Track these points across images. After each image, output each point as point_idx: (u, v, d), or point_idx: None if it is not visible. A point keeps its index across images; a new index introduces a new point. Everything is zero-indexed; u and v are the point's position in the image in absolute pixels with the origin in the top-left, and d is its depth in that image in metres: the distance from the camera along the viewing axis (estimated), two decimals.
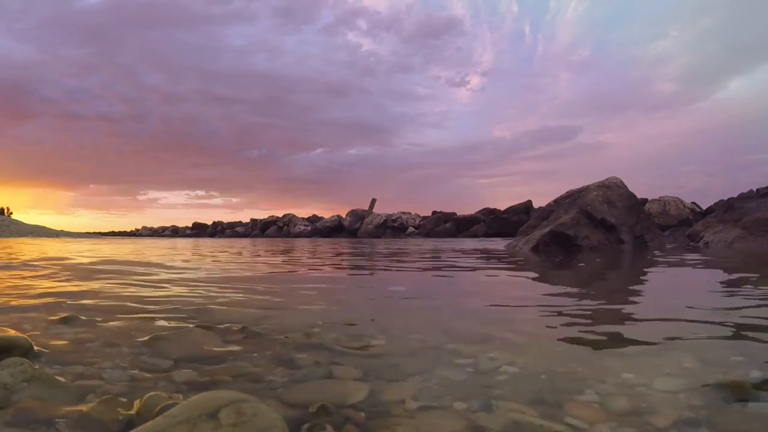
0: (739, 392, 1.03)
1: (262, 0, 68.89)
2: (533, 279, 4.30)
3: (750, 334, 1.65)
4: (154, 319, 1.98)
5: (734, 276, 4.18)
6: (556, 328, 1.84)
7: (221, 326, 1.77)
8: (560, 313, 2.18)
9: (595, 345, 1.55)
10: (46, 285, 3.25)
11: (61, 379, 1.18)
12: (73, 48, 66.62)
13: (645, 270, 5.09)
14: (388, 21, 70.28)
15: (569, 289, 3.32)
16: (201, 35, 66.83)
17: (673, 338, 1.58)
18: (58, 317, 1.94)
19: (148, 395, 1.02)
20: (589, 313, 2.21)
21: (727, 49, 59.58)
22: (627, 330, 1.77)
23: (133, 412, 0.98)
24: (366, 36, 72.57)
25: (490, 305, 2.47)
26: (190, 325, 1.81)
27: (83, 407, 1.01)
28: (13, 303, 2.40)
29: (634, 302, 2.75)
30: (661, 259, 6.19)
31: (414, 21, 67.57)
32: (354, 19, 71.81)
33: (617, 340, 1.60)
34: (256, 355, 1.42)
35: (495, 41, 76.40)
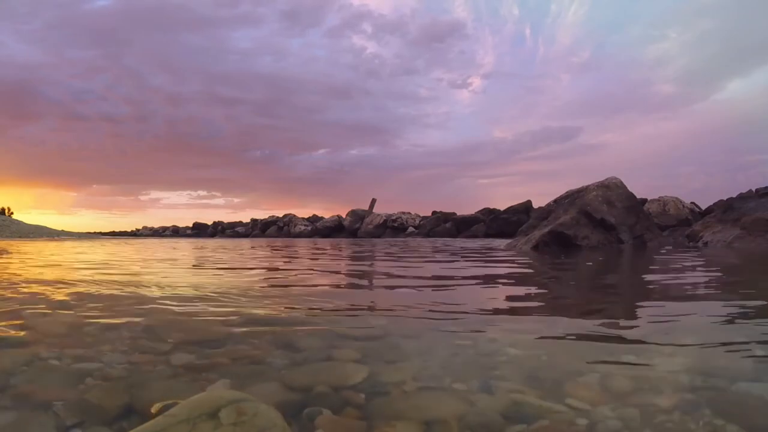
0: (741, 373, 1.03)
1: (269, 4, 68.98)
2: (533, 275, 4.30)
3: (750, 321, 1.65)
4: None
5: (733, 275, 4.18)
6: (556, 316, 1.84)
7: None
8: (561, 303, 2.18)
9: (596, 331, 1.54)
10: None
11: (59, 362, 1.18)
12: (80, 50, 66.58)
13: (644, 268, 5.09)
14: (392, 24, 70.52)
15: (569, 283, 3.32)
16: (207, 37, 66.91)
17: (673, 323, 1.58)
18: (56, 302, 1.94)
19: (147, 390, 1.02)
20: (591, 305, 2.22)
21: (725, 51, 59.54)
22: (627, 319, 1.76)
23: (133, 391, 0.98)
24: (371, 39, 72.87)
25: (492, 297, 2.47)
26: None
27: (81, 391, 1.01)
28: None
29: (634, 298, 2.75)
30: (659, 258, 6.20)
31: (418, 24, 67.74)
32: (359, 22, 72.01)
33: (618, 328, 1.60)
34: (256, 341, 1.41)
35: (496, 44, 76.41)
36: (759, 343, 1.31)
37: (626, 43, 68.38)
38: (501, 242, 13.81)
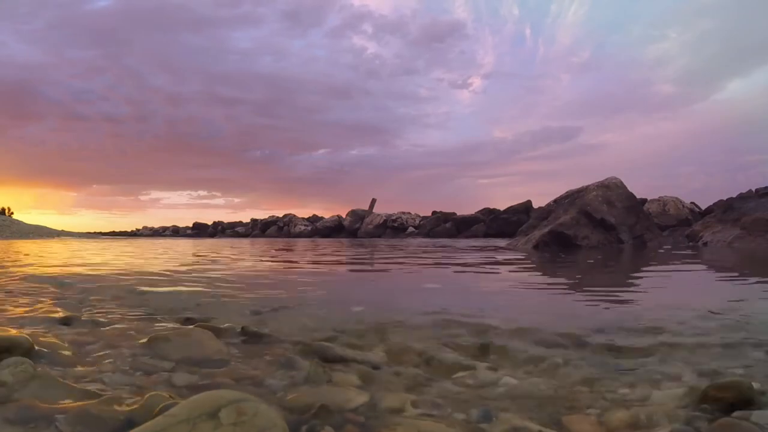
0: (738, 403, 1.03)
1: (269, 4, 69.01)
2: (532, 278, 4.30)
3: (749, 341, 1.65)
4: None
5: (732, 276, 4.18)
6: (558, 332, 1.84)
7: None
8: (557, 317, 2.18)
9: (594, 354, 1.55)
10: None
11: (62, 379, 1.18)
12: (80, 50, 66.53)
13: (643, 271, 5.09)
14: (392, 25, 70.55)
15: (566, 290, 3.32)
16: (208, 38, 66.92)
17: (671, 346, 1.58)
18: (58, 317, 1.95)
19: (148, 395, 1.02)
20: (587, 318, 2.22)
21: (725, 51, 59.44)
22: (625, 338, 1.76)
23: (135, 406, 0.99)
24: (371, 39, 72.88)
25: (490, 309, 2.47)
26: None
27: (83, 405, 1.02)
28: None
29: (633, 305, 2.75)
30: (659, 259, 6.20)
31: (418, 25, 67.75)
32: (359, 22, 72.04)
33: (615, 349, 1.60)
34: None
35: (496, 44, 76.26)
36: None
37: (626, 43, 68.41)
38: (501, 242, 13.79)
